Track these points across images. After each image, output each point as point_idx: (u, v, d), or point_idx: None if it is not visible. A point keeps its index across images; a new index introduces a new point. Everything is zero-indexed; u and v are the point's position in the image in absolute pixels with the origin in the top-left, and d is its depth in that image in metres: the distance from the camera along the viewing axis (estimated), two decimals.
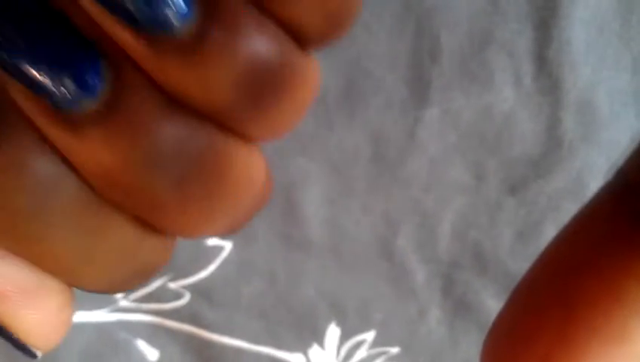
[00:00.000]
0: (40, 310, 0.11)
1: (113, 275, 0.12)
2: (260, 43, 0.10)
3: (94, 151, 0.10)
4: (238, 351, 0.28)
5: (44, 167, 0.10)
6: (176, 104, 0.10)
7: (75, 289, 0.13)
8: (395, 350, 0.29)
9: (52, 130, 0.10)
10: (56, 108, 0.09)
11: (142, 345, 0.28)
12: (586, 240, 0.09)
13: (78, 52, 0.09)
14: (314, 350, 0.28)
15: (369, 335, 0.28)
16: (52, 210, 0.10)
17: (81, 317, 0.28)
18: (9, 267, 0.10)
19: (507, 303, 0.10)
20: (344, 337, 0.28)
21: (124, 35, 0.10)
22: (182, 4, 0.09)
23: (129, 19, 0.09)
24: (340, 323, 0.28)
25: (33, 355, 0.11)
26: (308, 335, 0.28)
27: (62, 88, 0.09)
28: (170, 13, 0.09)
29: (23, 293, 0.11)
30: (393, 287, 0.28)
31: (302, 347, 0.28)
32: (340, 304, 0.28)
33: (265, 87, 0.11)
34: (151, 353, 0.29)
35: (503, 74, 0.24)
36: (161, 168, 0.10)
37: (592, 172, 0.25)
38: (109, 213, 0.11)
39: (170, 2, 0.09)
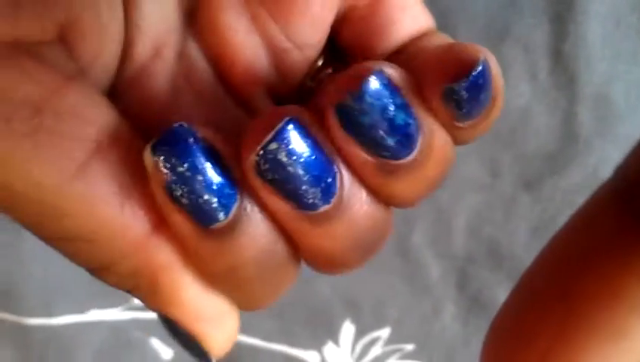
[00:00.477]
0: (224, 329, 0.14)
1: (274, 300, 0.15)
2: None
3: (319, 236, 0.13)
4: (253, 349, 0.28)
5: (271, 242, 0.13)
6: (374, 198, 0.14)
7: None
8: (409, 347, 0.29)
9: (290, 222, 0.13)
10: (302, 210, 0.13)
11: (156, 343, 0.28)
12: (586, 237, 0.10)
13: (330, 172, 0.13)
14: (329, 347, 0.28)
15: (384, 332, 0.28)
16: (262, 270, 0.14)
17: (95, 316, 0.28)
18: (211, 299, 0.14)
19: (508, 298, 0.10)
20: (359, 334, 0.28)
21: (361, 160, 0.13)
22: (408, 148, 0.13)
23: (371, 151, 0.13)
24: (354, 321, 0.28)
25: (209, 360, 0.15)
26: (323, 332, 0.28)
27: (312, 197, 0.13)
28: (402, 151, 0.13)
29: (216, 318, 0.14)
30: (408, 284, 0.27)
31: (317, 344, 0.28)
32: (355, 301, 0.28)
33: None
34: (165, 351, 0.29)
35: (519, 68, 0.24)
36: (359, 246, 0.14)
37: (608, 167, 0.25)
38: (295, 266, 0.14)
39: (404, 148, 0.13)
